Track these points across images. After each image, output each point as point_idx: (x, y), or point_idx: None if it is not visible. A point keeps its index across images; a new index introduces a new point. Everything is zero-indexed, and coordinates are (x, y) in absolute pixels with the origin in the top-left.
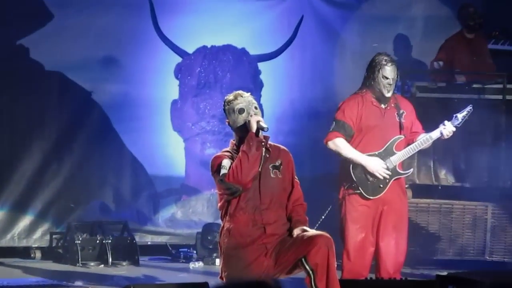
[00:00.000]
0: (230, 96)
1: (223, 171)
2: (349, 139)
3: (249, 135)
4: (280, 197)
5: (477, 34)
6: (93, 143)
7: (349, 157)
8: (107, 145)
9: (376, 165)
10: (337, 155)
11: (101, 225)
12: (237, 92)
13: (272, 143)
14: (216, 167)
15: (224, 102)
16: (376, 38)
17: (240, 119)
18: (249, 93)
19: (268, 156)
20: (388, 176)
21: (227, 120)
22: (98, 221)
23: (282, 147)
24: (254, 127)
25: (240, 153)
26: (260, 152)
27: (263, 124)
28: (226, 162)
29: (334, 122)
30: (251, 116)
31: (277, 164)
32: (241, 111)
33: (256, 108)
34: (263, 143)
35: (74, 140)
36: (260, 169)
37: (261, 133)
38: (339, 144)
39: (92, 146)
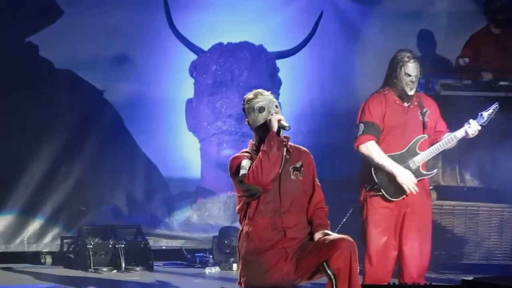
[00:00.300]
0: (250, 95)
1: (242, 171)
2: (379, 139)
3: (269, 134)
4: (300, 200)
5: (505, 29)
6: (105, 144)
7: (381, 163)
8: (119, 146)
9: (407, 178)
10: (368, 159)
11: (113, 229)
12: (257, 90)
13: (292, 144)
14: (235, 168)
15: (244, 100)
16: (399, 35)
17: (260, 118)
18: (269, 92)
19: (288, 157)
20: (415, 192)
21: (247, 120)
22: (110, 225)
23: (303, 148)
24: (275, 126)
25: (260, 153)
26: (281, 152)
27: (284, 123)
28: (245, 163)
29: (362, 125)
30: (271, 115)
31: (297, 165)
32: (261, 109)
33: (277, 106)
34: (284, 143)
35: (85, 141)
36: (280, 171)
37: (282, 133)
38: (372, 149)
39: (104, 148)
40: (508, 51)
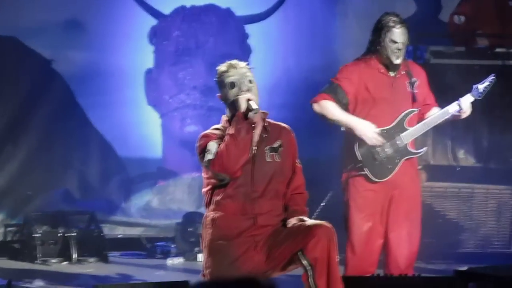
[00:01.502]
0: (223, 67)
1: (208, 156)
2: (342, 106)
3: (236, 115)
4: (276, 184)
5: None
6: (54, 120)
7: (336, 118)
8: (70, 122)
9: (365, 129)
10: (323, 118)
11: (64, 216)
12: (230, 62)
13: (271, 121)
14: (201, 150)
15: (216, 73)
16: None
17: (231, 94)
18: (245, 63)
19: (265, 136)
20: (380, 144)
21: (219, 94)
22: (60, 212)
23: (284, 125)
24: (242, 107)
25: (226, 137)
26: (251, 136)
27: (253, 104)
28: (212, 146)
29: (328, 84)
30: (242, 92)
31: (275, 145)
32: (232, 85)
33: (251, 82)
34: (253, 125)
35: (31, 117)
36: (255, 151)
37: (252, 114)
38: (325, 106)
39: (53, 124)
40: (507, 11)
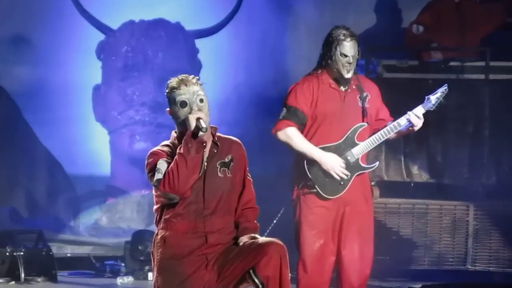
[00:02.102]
0: (173, 82)
1: (157, 176)
2: (302, 128)
3: (186, 135)
4: (228, 201)
5: None
6: (0, 137)
7: (302, 150)
8: (16, 139)
9: (332, 162)
10: (288, 147)
11: (11, 235)
12: (181, 77)
13: (221, 135)
14: (150, 168)
15: (167, 87)
16: (334, 9)
17: (182, 113)
18: (196, 78)
19: (216, 151)
20: (346, 177)
21: (168, 110)
22: (7, 230)
23: (234, 138)
24: (193, 126)
25: (176, 156)
26: (201, 156)
27: (202, 123)
28: (162, 165)
29: (284, 109)
30: (193, 111)
31: (226, 160)
32: (182, 104)
33: (201, 101)
34: (204, 144)
35: None
36: (205, 167)
37: (205, 132)
38: (291, 135)
39: None
40: (468, 22)
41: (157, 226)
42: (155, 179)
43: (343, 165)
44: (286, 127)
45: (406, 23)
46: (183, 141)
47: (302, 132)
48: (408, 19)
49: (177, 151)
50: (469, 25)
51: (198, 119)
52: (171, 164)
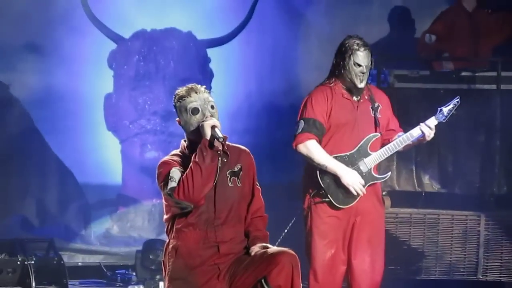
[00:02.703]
0: (182, 91)
1: (171, 184)
2: (321, 138)
3: (202, 143)
4: (238, 210)
5: (478, 7)
6: (12, 146)
7: (323, 163)
8: (28, 148)
9: (353, 180)
10: (308, 160)
11: (22, 243)
12: (190, 86)
13: (230, 144)
14: (163, 178)
15: (174, 97)
16: (347, 19)
17: (194, 120)
18: (204, 87)
19: (225, 160)
20: (362, 194)
21: (178, 119)
22: (18, 239)
23: (242, 147)
24: (208, 134)
25: (192, 165)
26: (216, 164)
27: (219, 132)
28: (175, 173)
29: (302, 121)
30: (206, 118)
31: (236, 169)
32: (194, 111)
33: (212, 107)
34: (219, 152)
35: None
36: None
37: (218, 142)
38: (312, 148)
39: (11, 150)
40: (481, 32)
41: (168, 235)
42: (169, 187)
43: (363, 182)
44: (307, 140)
45: (418, 33)
46: (198, 149)
47: (320, 142)
48: (420, 29)
49: (192, 159)
50: (481, 35)
51: (213, 127)
52: (186, 172)
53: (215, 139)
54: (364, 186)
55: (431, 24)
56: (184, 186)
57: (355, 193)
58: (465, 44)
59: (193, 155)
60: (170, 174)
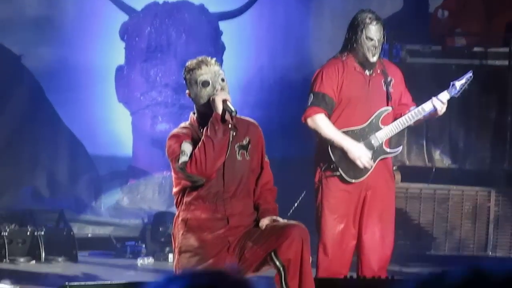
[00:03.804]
0: (192, 63)
1: (183, 158)
2: (331, 112)
3: (213, 117)
4: (247, 183)
5: None
6: (23, 117)
7: (330, 138)
8: (39, 119)
9: (359, 152)
10: (316, 134)
11: (32, 214)
12: (200, 58)
13: (238, 117)
14: (173, 151)
15: (185, 69)
16: None
17: (204, 93)
18: (215, 59)
19: (234, 134)
20: (370, 167)
21: (188, 92)
22: (29, 210)
23: (251, 120)
24: (219, 108)
25: (203, 138)
26: (228, 138)
27: (230, 105)
28: (186, 147)
29: (311, 95)
30: (216, 91)
31: (244, 143)
32: (205, 84)
33: (223, 80)
34: (230, 125)
35: (0, 113)
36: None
37: (229, 115)
38: (319, 122)
39: (22, 121)
40: (494, 7)
41: (177, 208)
42: (180, 161)
43: (370, 155)
44: (315, 114)
45: (431, 8)
46: (209, 123)
47: (330, 116)
48: (433, 4)
49: (204, 133)
50: (494, 11)
51: (224, 101)
52: (198, 146)
53: (226, 113)
54: (375, 161)
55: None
56: (196, 160)
57: (362, 166)
58: (478, 19)
59: (205, 129)
60: (182, 148)
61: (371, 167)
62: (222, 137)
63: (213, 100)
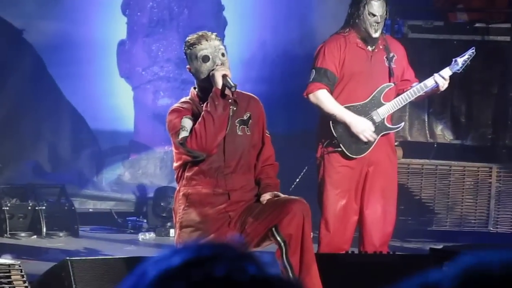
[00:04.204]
0: (193, 38)
1: (183, 133)
2: (333, 88)
3: (213, 92)
4: (248, 158)
5: None
6: (25, 91)
7: (333, 113)
8: (41, 93)
9: (362, 127)
10: (318, 109)
11: (34, 189)
12: (201, 33)
13: (239, 91)
14: (174, 126)
15: (185, 44)
16: None
17: (204, 68)
18: (215, 34)
19: (235, 109)
20: (374, 140)
21: (188, 67)
22: (30, 184)
23: (252, 95)
24: (219, 83)
25: (203, 114)
26: (228, 113)
27: (230, 81)
28: (187, 123)
29: (313, 71)
30: (216, 65)
31: (245, 118)
32: (205, 58)
33: (223, 55)
34: (230, 100)
35: (1, 87)
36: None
37: (229, 90)
38: (321, 98)
39: (23, 95)
40: None
41: (178, 183)
42: (180, 136)
43: (373, 128)
44: (317, 90)
45: None
46: (209, 99)
47: (332, 92)
48: None
49: (204, 108)
50: None
51: (224, 76)
52: (198, 122)
53: (227, 88)
54: (377, 136)
55: None
56: (196, 135)
57: (365, 140)
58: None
59: (205, 104)
60: (182, 123)
61: (375, 140)
62: (222, 112)
63: (213, 75)
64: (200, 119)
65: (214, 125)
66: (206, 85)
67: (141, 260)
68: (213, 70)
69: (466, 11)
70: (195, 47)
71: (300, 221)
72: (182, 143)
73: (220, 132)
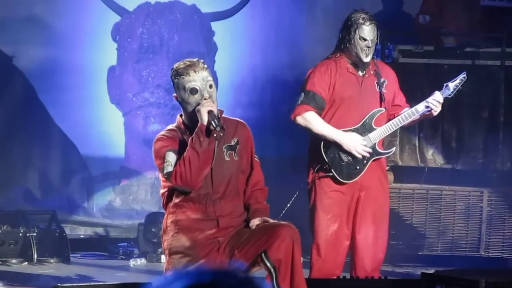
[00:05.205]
0: (180, 67)
1: (167, 168)
2: (321, 112)
3: (198, 128)
4: (237, 184)
5: None
6: (15, 117)
7: (322, 133)
8: (31, 119)
9: (353, 142)
10: (307, 131)
11: (24, 215)
12: (188, 62)
13: (226, 117)
14: (159, 157)
15: (172, 72)
16: None
17: (192, 100)
18: (202, 62)
19: (222, 135)
20: (368, 155)
21: (175, 95)
22: (21, 210)
23: (239, 120)
24: (205, 119)
25: (188, 149)
26: (213, 148)
27: (216, 119)
28: (171, 157)
29: (302, 94)
30: (204, 99)
31: (232, 143)
32: (193, 91)
33: (211, 86)
34: (216, 136)
35: None
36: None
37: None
38: (309, 119)
39: (14, 121)
40: (475, 11)
41: (165, 209)
42: (165, 172)
43: (364, 142)
44: (305, 112)
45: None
46: (194, 134)
47: (320, 115)
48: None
49: (189, 143)
50: (476, 12)
51: (210, 112)
52: (183, 157)
53: (211, 125)
54: (368, 161)
55: (421, 4)
56: (181, 171)
57: (359, 156)
58: (460, 22)
59: (190, 139)
60: (166, 158)
61: (369, 159)
62: (207, 148)
63: (199, 110)
64: (185, 153)
65: (199, 161)
66: (192, 116)
67: (133, 287)
68: (199, 105)
69: (452, 35)
70: (183, 78)
71: (289, 246)
72: (167, 178)
73: (205, 168)
